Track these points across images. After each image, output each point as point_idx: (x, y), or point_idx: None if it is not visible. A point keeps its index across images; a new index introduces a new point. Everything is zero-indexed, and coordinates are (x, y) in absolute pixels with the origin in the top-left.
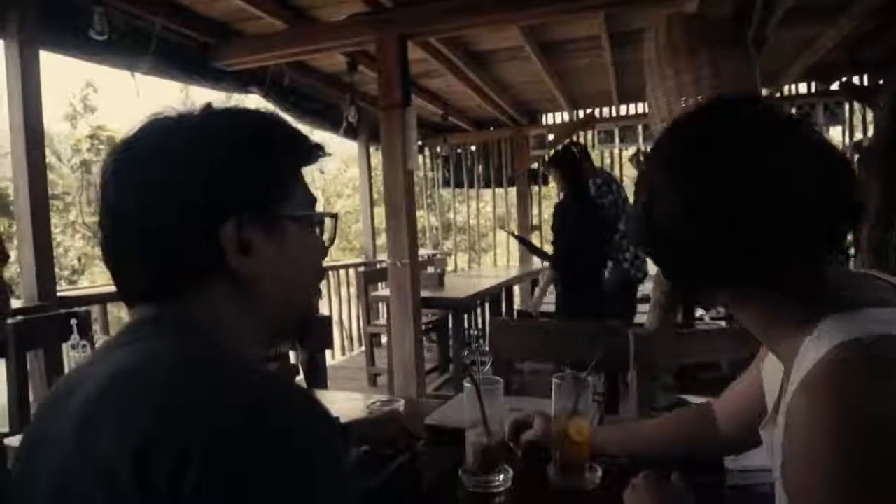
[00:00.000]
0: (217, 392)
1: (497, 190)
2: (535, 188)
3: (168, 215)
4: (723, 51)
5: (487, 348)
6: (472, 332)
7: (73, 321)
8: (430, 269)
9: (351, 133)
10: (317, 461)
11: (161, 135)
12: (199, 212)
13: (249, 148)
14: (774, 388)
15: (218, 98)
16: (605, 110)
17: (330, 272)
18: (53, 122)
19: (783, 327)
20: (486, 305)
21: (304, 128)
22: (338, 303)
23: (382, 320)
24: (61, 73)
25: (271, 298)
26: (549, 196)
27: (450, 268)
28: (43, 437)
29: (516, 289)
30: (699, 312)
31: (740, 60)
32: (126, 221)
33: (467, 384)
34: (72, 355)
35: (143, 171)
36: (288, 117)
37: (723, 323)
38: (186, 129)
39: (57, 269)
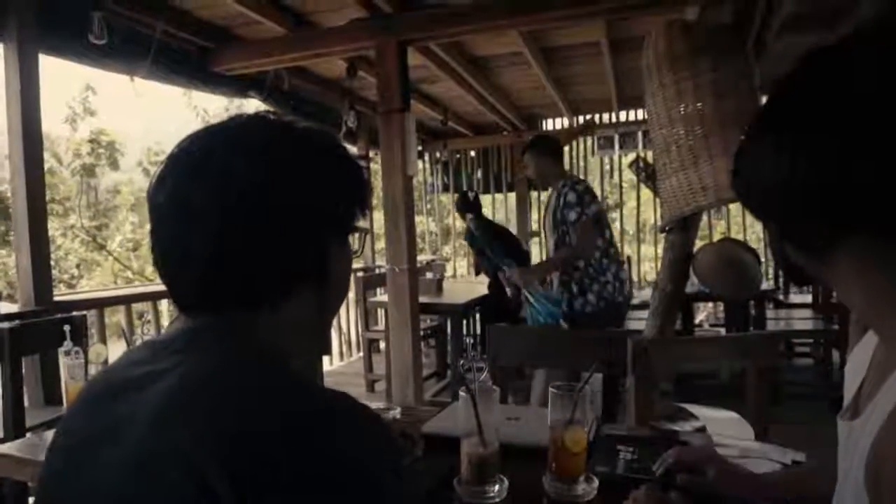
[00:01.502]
0: (300, 403)
1: (496, 195)
2: (535, 193)
3: (291, 221)
4: (722, 58)
5: (484, 356)
6: (467, 339)
7: (67, 327)
8: (429, 275)
9: (350, 138)
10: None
11: (270, 143)
12: (319, 219)
13: (343, 164)
14: (857, 376)
15: (219, 102)
16: (605, 116)
17: None
18: (53, 125)
19: None
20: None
21: None
22: None
23: (381, 326)
24: (61, 75)
25: (333, 304)
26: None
27: (449, 273)
28: (111, 425)
29: None
30: (698, 319)
31: (740, 67)
32: (236, 234)
33: (462, 393)
34: (64, 362)
35: (267, 178)
36: None
37: (722, 330)
38: (290, 138)
39: (57, 273)
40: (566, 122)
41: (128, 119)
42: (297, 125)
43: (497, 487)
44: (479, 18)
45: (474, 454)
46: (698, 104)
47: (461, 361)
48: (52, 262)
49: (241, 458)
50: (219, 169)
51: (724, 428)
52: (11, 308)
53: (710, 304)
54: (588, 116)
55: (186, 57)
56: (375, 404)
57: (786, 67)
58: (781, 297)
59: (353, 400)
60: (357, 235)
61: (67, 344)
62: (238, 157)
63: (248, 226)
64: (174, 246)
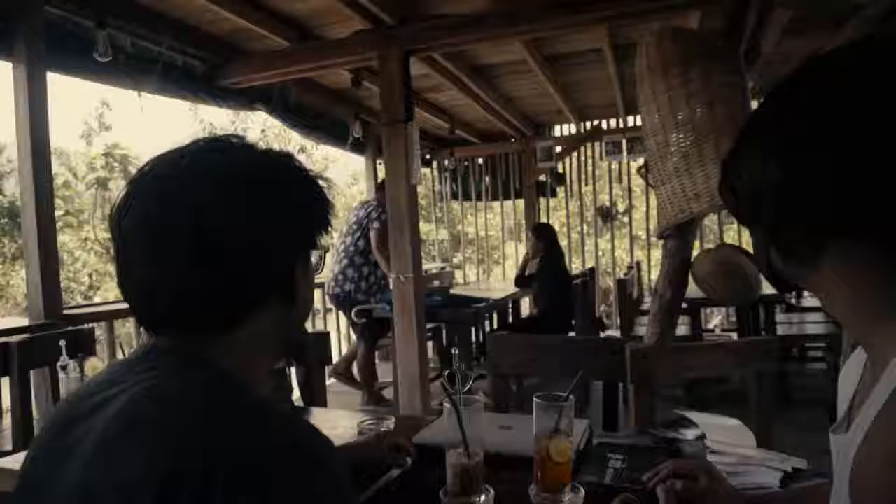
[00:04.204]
0: (235, 438)
1: (505, 202)
2: (543, 200)
3: (260, 248)
4: (714, 65)
5: (470, 364)
6: (454, 350)
7: (62, 342)
8: (436, 283)
9: (357, 148)
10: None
11: (237, 169)
12: (287, 244)
13: (307, 186)
14: (850, 389)
15: (225, 115)
16: (612, 121)
17: None
18: (70, 140)
19: (888, 318)
20: (494, 316)
21: (310, 143)
22: (346, 317)
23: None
24: (79, 91)
25: (297, 322)
26: (559, 207)
27: (459, 280)
28: (61, 453)
29: (525, 300)
30: (712, 324)
31: (732, 75)
32: (209, 258)
33: (446, 404)
34: (62, 377)
35: (236, 207)
36: (295, 133)
37: (734, 335)
38: (256, 163)
39: (74, 285)
40: (573, 128)
41: (143, 133)
42: (258, 148)
43: (483, 498)
44: (480, 28)
45: (458, 465)
46: (690, 111)
47: (445, 372)
48: (71, 274)
49: (179, 492)
50: (188, 197)
51: (724, 435)
52: (21, 322)
53: (724, 309)
54: (595, 122)
55: (192, 72)
56: (369, 416)
57: (787, 72)
58: (793, 300)
59: (308, 432)
60: (318, 253)
61: (64, 359)
62: (206, 185)
63: (216, 257)
64: (140, 274)
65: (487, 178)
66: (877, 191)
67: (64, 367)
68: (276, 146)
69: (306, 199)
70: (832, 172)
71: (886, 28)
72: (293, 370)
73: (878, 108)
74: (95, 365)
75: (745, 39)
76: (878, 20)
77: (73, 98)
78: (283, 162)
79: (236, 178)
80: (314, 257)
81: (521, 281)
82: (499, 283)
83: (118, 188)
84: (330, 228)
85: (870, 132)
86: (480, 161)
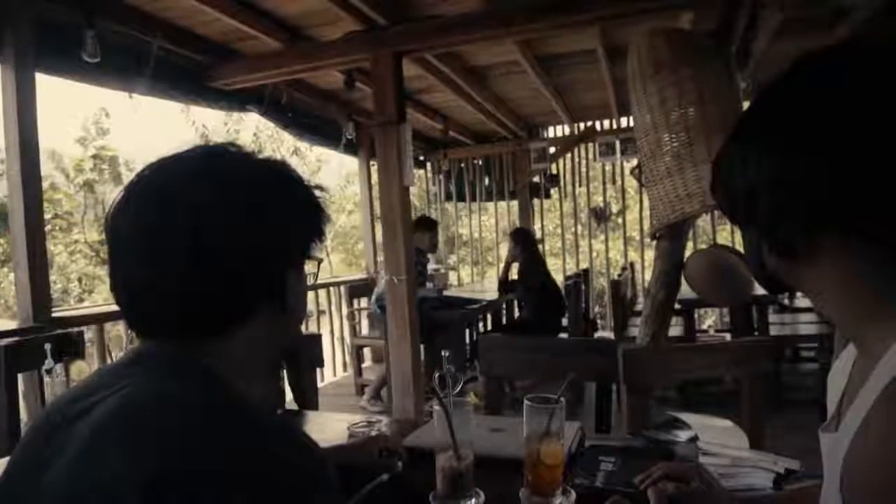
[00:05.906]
0: (229, 439)
1: (499, 203)
2: (537, 201)
3: (256, 255)
4: (705, 65)
5: (463, 365)
6: (444, 353)
7: (47, 346)
8: (430, 285)
9: (350, 149)
10: None
11: (236, 177)
12: (281, 251)
13: (303, 195)
14: (839, 388)
15: (217, 117)
16: (606, 123)
17: (331, 288)
18: (66, 143)
19: (880, 315)
20: (488, 317)
21: (303, 144)
22: (339, 319)
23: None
24: (81, 96)
25: (289, 329)
26: (553, 209)
27: (454, 281)
28: (46, 456)
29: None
30: (705, 325)
31: (722, 75)
32: (207, 261)
33: (436, 407)
34: (46, 380)
35: (235, 214)
36: (287, 134)
37: (728, 336)
38: (254, 172)
39: (72, 286)
40: (567, 129)
41: (135, 136)
42: (256, 157)
43: (473, 501)
44: (473, 28)
45: (448, 468)
46: (682, 111)
47: (436, 374)
48: (65, 276)
49: (166, 498)
50: (187, 204)
51: (717, 436)
52: (9, 325)
53: (717, 310)
54: (588, 123)
55: (184, 72)
56: (360, 418)
57: (779, 71)
58: (786, 301)
59: (298, 436)
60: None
61: (48, 362)
62: (205, 186)
63: (214, 261)
64: (136, 276)
65: (482, 180)
66: (875, 186)
67: (49, 371)
68: (269, 148)
69: (301, 206)
70: (831, 168)
71: (879, 28)
72: (285, 373)
73: (875, 103)
74: (81, 368)
75: (737, 40)
76: (869, 22)
77: (74, 102)
78: (280, 169)
79: (234, 181)
80: (308, 267)
81: (503, 286)
82: (493, 284)
83: (107, 191)
84: (323, 237)
85: (867, 128)
86: (475, 162)
